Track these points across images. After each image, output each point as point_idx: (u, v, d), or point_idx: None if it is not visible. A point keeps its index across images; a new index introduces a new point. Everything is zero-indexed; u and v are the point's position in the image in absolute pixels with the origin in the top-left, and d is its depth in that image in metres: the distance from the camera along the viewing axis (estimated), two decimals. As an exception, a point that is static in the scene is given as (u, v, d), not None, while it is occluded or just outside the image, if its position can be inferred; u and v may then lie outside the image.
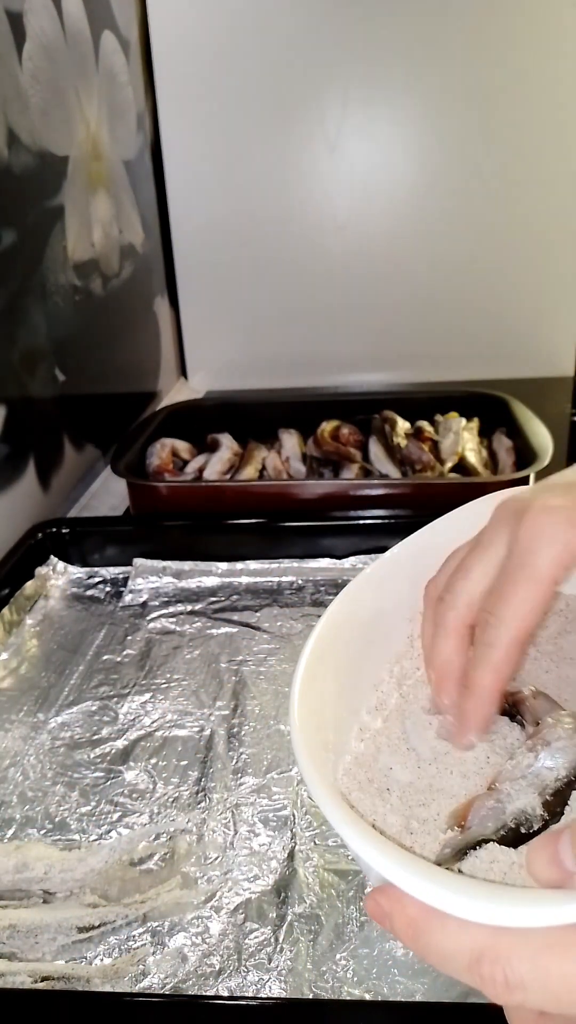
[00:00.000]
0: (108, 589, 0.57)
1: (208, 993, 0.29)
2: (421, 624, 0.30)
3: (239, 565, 0.58)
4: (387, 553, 0.32)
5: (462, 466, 0.73)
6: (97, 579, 0.58)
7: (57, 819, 0.37)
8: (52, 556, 0.59)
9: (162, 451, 0.76)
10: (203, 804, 0.38)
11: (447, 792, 0.26)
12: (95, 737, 0.43)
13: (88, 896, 0.33)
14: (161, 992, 0.29)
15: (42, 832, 0.36)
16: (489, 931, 0.18)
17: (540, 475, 0.63)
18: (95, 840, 0.36)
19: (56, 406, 0.72)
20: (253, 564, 0.58)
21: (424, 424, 0.80)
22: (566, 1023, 0.18)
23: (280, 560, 0.58)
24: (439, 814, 0.25)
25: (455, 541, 0.32)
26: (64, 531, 0.60)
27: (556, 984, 0.17)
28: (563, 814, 0.23)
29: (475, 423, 0.80)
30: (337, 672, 0.28)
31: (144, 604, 0.55)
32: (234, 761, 0.40)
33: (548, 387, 1.03)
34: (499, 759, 0.26)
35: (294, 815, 0.36)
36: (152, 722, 0.43)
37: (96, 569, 0.59)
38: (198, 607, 0.55)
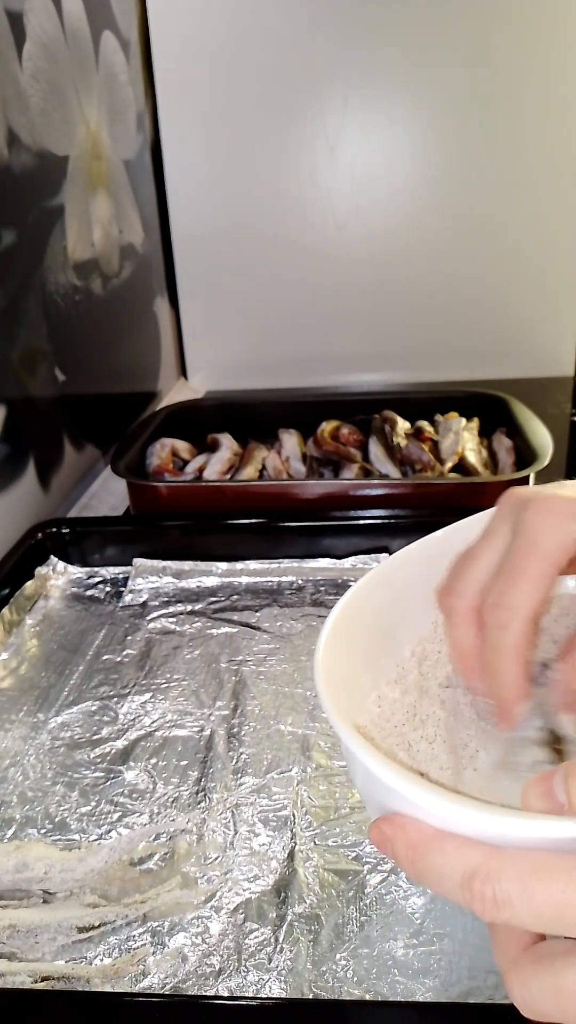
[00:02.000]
0: (108, 589, 0.57)
1: (208, 993, 0.29)
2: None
3: (239, 565, 0.58)
4: (423, 539, 0.33)
5: (462, 466, 0.73)
6: (97, 579, 0.58)
7: (57, 819, 0.37)
8: (52, 556, 0.59)
9: (162, 451, 0.76)
10: (203, 804, 0.38)
11: (454, 749, 0.26)
12: (95, 737, 0.43)
13: (88, 896, 0.33)
14: (161, 992, 0.29)
15: (42, 832, 0.36)
16: (482, 852, 0.19)
17: (540, 475, 0.63)
18: (95, 840, 0.36)
19: (56, 406, 0.72)
20: (253, 564, 0.58)
21: (424, 424, 0.80)
22: (548, 952, 0.19)
23: (280, 560, 0.58)
24: (446, 768, 0.26)
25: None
26: (64, 531, 0.60)
27: (540, 903, 0.18)
28: None
29: (475, 423, 0.80)
30: (361, 641, 0.29)
31: (144, 604, 0.55)
32: (234, 761, 0.40)
33: (548, 387, 1.03)
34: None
35: (294, 815, 0.36)
36: (152, 722, 0.43)
37: (96, 569, 0.59)
38: (198, 607, 0.55)
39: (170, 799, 0.38)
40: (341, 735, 0.23)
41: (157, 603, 0.55)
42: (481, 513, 0.33)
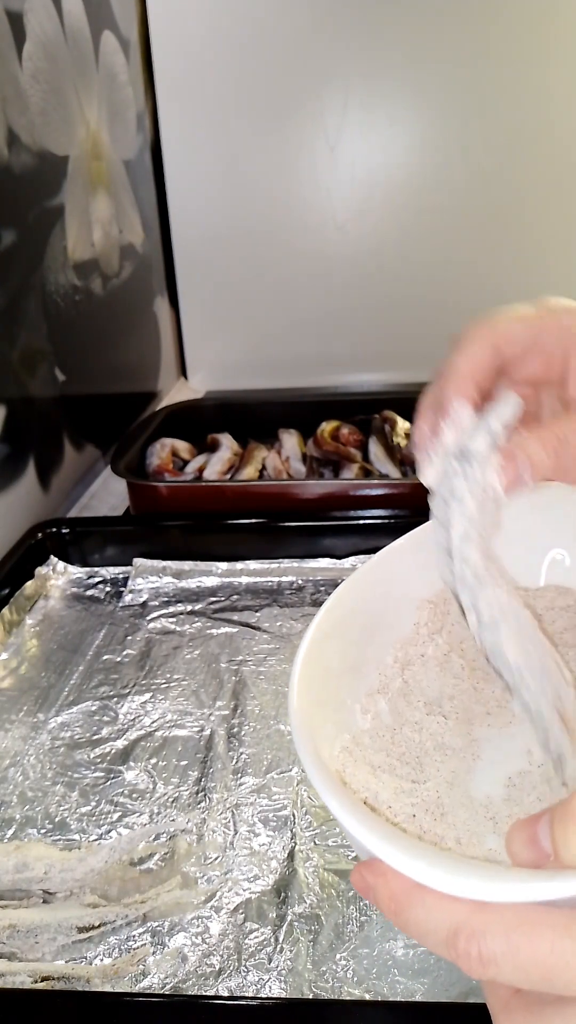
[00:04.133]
0: (108, 589, 0.57)
1: (208, 993, 0.29)
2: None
3: (239, 565, 0.58)
4: (398, 540, 0.33)
5: (462, 466, 0.73)
6: (97, 579, 0.58)
7: (57, 819, 0.37)
8: (52, 556, 0.59)
9: (162, 451, 0.76)
10: (203, 804, 0.38)
11: (436, 772, 0.26)
12: (95, 737, 0.43)
13: (88, 896, 0.33)
14: (161, 992, 0.29)
15: (42, 832, 0.36)
16: (467, 909, 0.18)
17: (540, 475, 0.63)
18: (95, 840, 0.36)
19: (56, 406, 0.72)
20: (253, 564, 0.58)
21: (424, 424, 0.80)
22: (538, 999, 0.19)
23: (280, 560, 0.58)
24: (426, 793, 0.25)
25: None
26: (64, 531, 0.60)
27: (526, 962, 0.18)
28: None
29: (475, 423, 0.80)
30: (342, 651, 0.29)
31: (144, 604, 0.55)
32: (234, 761, 0.40)
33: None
34: (489, 755, 0.27)
35: (294, 815, 0.36)
36: (152, 722, 0.43)
37: (96, 569, 0.59)
38: (198, 607, 0.55)
39: (170, 799, 0.38)
40: (317, 786, 0.22)
41: (157, 603, 0.55)
42: None
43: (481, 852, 0.23)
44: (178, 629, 0.52)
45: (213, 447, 0.79)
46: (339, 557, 0.57)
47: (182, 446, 0.79)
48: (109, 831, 0.36)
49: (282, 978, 0.29)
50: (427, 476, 0.27)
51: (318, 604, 0.54)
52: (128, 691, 0.46)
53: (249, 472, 0.74)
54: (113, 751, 0.41)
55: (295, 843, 0.35)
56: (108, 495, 0.77)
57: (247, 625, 0.52)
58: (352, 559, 0.57)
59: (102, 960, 0.30)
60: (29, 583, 0.56)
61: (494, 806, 0.25)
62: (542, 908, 0.18)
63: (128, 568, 0.59)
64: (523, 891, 0.18)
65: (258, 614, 0.53)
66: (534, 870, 0.19)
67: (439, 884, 0.19)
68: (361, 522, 0.59)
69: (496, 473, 0.25)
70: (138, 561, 0.58)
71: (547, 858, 0.19)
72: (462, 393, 0.28)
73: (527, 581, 0.34)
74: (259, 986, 0.29)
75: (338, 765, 0.26)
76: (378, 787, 0.25)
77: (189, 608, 0.54)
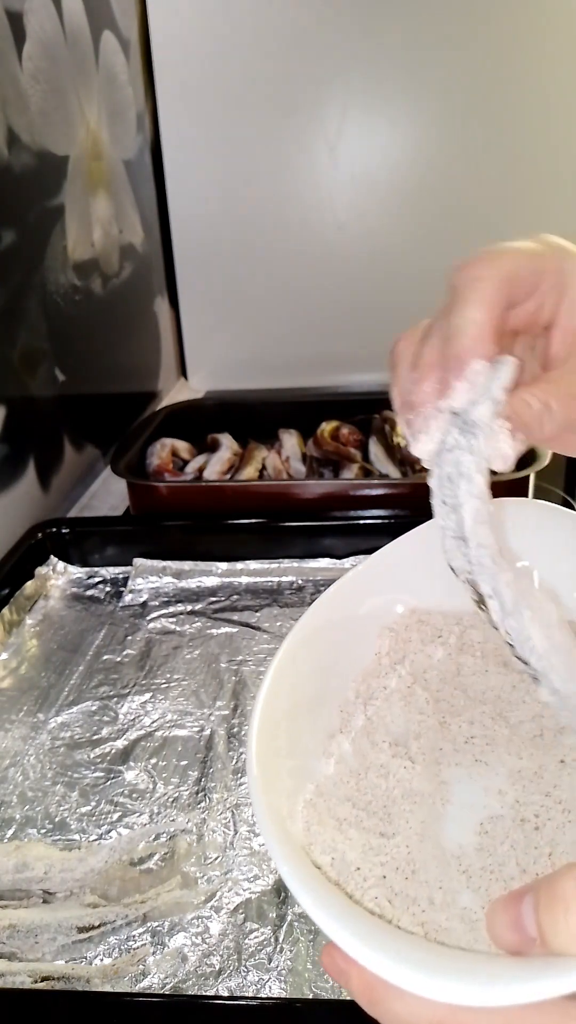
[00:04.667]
0: (108, 589, 0.57)
1: (208, 993, 0.29)
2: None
3: (239, 565, 0.58)
4: (353, 569, 0.32)
5: (462, 466, 0.73)
6: (97, 579, 0.58)
7: (57, 819, 0.37)
8: (52, 556, 0.59)
9: (162, 451, 0.76)
10: (203, 804, 0.38)
11: (405, 823, 0.25)
12: (95, 737, 0.43)
13: (88, 896, 0.33)
14: (161, 992, 0.29)
15: (42, 832, 0.36)
16: (447, 1006, 0.17)
17: (540, 475, 0.63)
18: (95, 840, 0.36)
19: (56, 406, 0.72)
20: (253, 564, 0.58)
21: (424, 424, 0.80)
22: None
23: (280, 560, 0.58)
24: (396, 849, 0.24)
25: (421, 555, 0.31)
26: (64, 531, 0.60)
27: None
28: None
29: (475, 423, 0.80)
30: (302, 688, 0.27)
31: (144, 604, 0.55)
32: (234, 761, 0.40)
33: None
34: (459, 798, 0.26)
35: (294, 815, 0.36)
36: (152, 722, 0.43)
37: (96, 569, 0.59)
38: (198, 607, 0.55)
39: (170, 799, 0.38)
40: (282, 874, 0.21)
41: (157, 603, 0.55)
42: (416, 529, 0.33)
43: (456, 912, 0.22)
44: (178, 629, 0.52)
45: (213, 447, 0.79)
46: (339, 557, 0.57)
47: (182, 446, 0.79)
48: (109, 831, 0.36)
49: (282, 978, 0.29)
50: (425, 447, 0.24)
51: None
52: (128, 691, 0.46)
53: (249, 472, 0.74)
54: (113, 751, 0.41)
55: (295, 843, 0.35)
56: (108, 495, 0.77)
57: (247, 625, 0.52)
58: (352, 559, 0.57)
59: (102, 960, 0.30)
60: (29, 583, 0.56)
61: (467, 858, 0.24)
62: (525, 1008, 0.17)
63: (128, 568, 0.59)
64: (509, 995, 0.16)
65: (258, 614, 0.53)
66: (519, 962, 0.17)
67: (419, 988, 0.17)
68: (361, 522, 0.59)
69: (507, 440, 0.22)
70: (138, 561, 0.58)
71: (533, 943, 0.17)
72: (481, 351, 0.24)
73: None
74: (259, 986, 0.29)
75: (302, 823, 0.25)
76: (345, 846, 0.24)
77: (189, 608, 0.54)
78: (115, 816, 0.37)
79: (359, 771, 0.27)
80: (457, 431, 0.24)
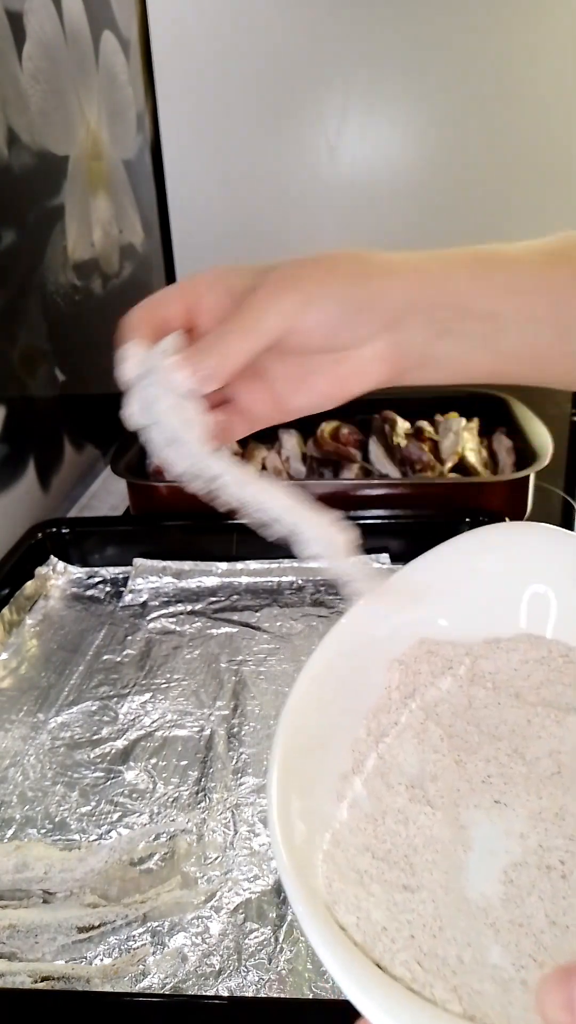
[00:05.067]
0: (108, 589, 0.57)
1: (208, 993, 0.29)
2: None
3: (239, 565, 0.58)
4: (363, 599, 0.31)
5: (462, 466, 0.73)
6: (97, 579, 0.58)
7: (57, 819, 0.37)
8: (52, 556, 0.59)
9: (162, 451, 0.76)
10: (203, 804, 0.38)
11: (428, 875, 0.25)
12: (95, 737, 0.43)
13: (88, 896, 0.33)
14: (161, 992, 0.29)
15: (42, 832, 0.36)
16: None
17: (540, 475, 0.63)
18: (95, 840, 0.36)
19: (56, 406, 0.72)
20: (253, 564, 0.58)
21: (424, 424, 0.80)
22: None
23: (280, 560, 0.58)
24: (422, 905, 0.24)
25: (433, 581, 0.31)
26: (64, 531, 0.60)
27: None
28: None
29: (475, 423, 0.80)
30: (314, 732, 0.27)
31: (144, 604, 0.55)
32: (234, 761, 0.40)
33: (548, 387, 1.03)
34: (481, 844, 0.25)
35: (294, 815, 0.36)
36: (152, 722, 0.43)
37: (96, 569, 0.59)
38: (198, 607, 0.55)
39: (170, 799, 0.38)
40: (312, 942, 0.20)
41: (157, 603, 0.55)
42: (427, 554, 0.32)
43: (487, 971, 0.21)
44: (178, 629, 0.52)
45: (213, 447, 0.79)
46: (339, 557, 0.57)
47: (182, 446, 0.79)
48: (109, 831, 0.36)
49: (282, 978, 0.29)
50: (127, 375, 0.30)
51: (318, 604, 0.54)
52: (128, 691, 0.46)
53: (249, 472, 0.74)
54: (113, 751, 0.41)
55: (295, 843, 0.35)
56: (108, 495, 0.77)
57: (247, 625, 0.52)
58: (352, 559, 0.57)
59: (102, 960, 0.30)
60: (29, 583, 0.56)
61: (493, 910, 0.23)
62: None
63: (128, 568, 0.59)
64: None
65: (258, 614, 0.53)
66: None
67: None
68: (361, 522, 0.59)
69: (178, 371, 0.28)
70: (138, 561, 0.58)
71: None
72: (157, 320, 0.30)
73: (503, 628, 0.32)
74: (259, 986, 0.29)
75: (323, 879, 0.24)
76: (369, 904, 0.23)
77: (189, 608, 0.54)
78: (115, 816, 0.37)
79: (375, 816, 0.27)
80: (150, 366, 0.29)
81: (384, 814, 0.27)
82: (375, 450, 0.76)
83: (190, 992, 0.29)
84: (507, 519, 0.57)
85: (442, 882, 0.24)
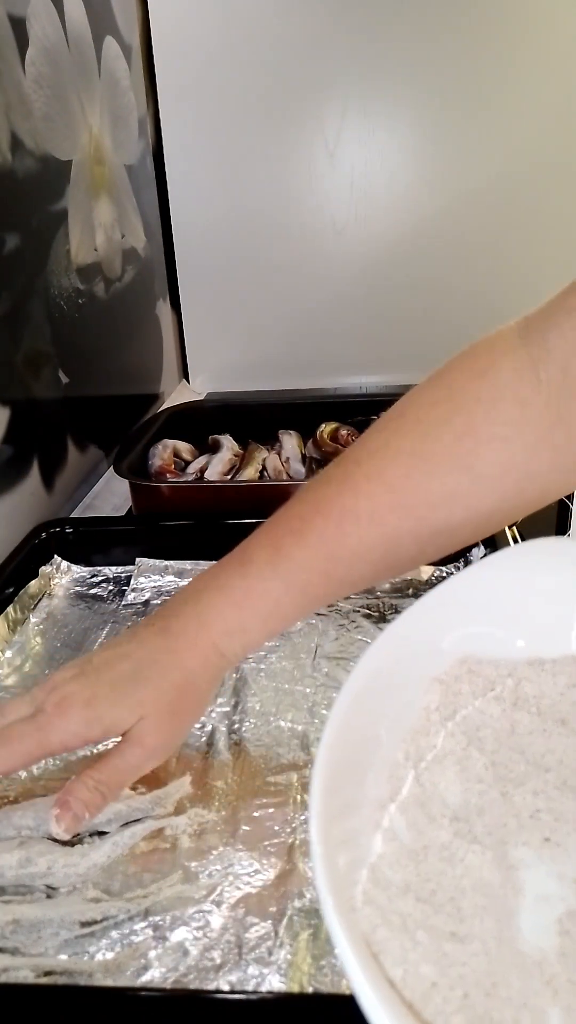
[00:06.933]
0: (111, 588, 0.58)
1: (209, 987, 0.29)
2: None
3: (240, 565, 0.58)
4: (398, 619, 0.30)
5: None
6: (100, 578, 0.59)
7: (60, 815, 0.37)
8: (56, 555, 0.59)
9: (164, 452, 0.76)
10: (204, 800, 0.38)
11: (479, 923, 0.23)
12: (97, 735, 0.43)
13: (90, 891, 0.33)
14: (162, 986, 0.29)
15: (45, 828, 0.37)
16: None
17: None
18: (98, 835, 0.36)
19: (59, 408, 0.73)
20: (254, 564, 0.58)
21: (425, 425, 0.80)
22: None
23: (281, 560, 0.58)
24: (474, 958, 0.22)
25: (476, 597, 0.29)
26: (68, 531, 0.60)
27: None
28: None
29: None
30: (352, 755, 0.25)
31: (146, 603, 0.56)
32: (235, 758, 0.40)
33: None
34: (532, 887, 0.24)
35: (294, 811, 0.37)
36: (154, 720, 0.44)
37: (99, 568, 0.60)
38: (200, 607, 0.55)
39: (172, 795, 0.38)
40: (345, 965, 0.19)
41: (159, 601, 0.56)
42: (463, 572, 0.31)
43: None
44: (180, 628, 0.52)
45: (214, 448, 0.79)
46: (340, 557, 0.58)
47: (183, 447, 0.79)
48: (111, 826, 0.36)
49: (282, 972, 0.29)
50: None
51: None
52: (130, 689, 0.46)
53: (249, 473, 0.74)
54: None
55: (295, 838, 0.35)
56: (111, 495, 0.77)
57: (248, 624, 0.52)
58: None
59: (104, 954, 0.31)
60: (33, 582, 0.56)
61: (549, 965, 0.21)
62: None
63: (131, 567, 0.59)
64: None
65: (259, 613, 0.53)
66: None
67: None
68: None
69: (53, 822, 0.31)
70: (140, 560, 0.59)
71: None
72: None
73: (548, 648, 0.31)
74: (259, 980, 0.29)
75: (366, 924, 0.22)
76: (416, 956, 0.21)
77: (191, 608, 0.55)
78: (117, 811, 0.37)
79: (416, 851, 0.25)
80: None
81: (426, 849, 0.25)
82: (376, 451, 0.77)
83: (191, 986, 0.29)
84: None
85: (493, 932, 0.22)
